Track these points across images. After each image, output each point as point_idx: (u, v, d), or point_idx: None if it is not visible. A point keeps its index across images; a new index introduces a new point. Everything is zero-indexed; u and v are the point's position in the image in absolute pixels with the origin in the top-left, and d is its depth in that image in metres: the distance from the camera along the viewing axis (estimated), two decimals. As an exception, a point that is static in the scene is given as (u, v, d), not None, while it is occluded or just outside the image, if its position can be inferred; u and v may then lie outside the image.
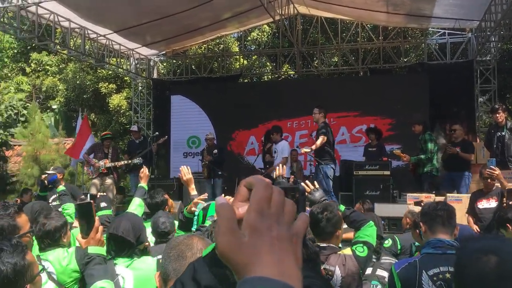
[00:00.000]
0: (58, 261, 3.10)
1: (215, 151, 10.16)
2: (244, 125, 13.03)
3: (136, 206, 4.46)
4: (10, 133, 13.13)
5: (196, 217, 3.45)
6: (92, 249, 2.26)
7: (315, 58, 15.17)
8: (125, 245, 2.72)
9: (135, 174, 10.11)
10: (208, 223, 3.36)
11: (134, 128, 11.11)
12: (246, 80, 15.42)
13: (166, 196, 4.91)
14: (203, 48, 15.48)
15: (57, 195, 5.20)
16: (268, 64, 15.44)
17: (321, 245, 2.96)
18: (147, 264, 2.79)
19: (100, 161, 9.34)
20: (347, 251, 3.04)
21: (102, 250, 2.31)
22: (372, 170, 8.96)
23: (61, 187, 5.12)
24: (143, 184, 4.69)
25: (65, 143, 14.49)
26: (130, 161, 9.46)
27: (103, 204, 4.71)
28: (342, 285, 2.88)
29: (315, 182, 3.56)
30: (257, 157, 10.94)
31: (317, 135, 8.16)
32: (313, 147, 7.95)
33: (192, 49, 15.31)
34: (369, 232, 3.20)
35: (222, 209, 0.73)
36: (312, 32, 14.88)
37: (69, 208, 4.57)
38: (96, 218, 2.28)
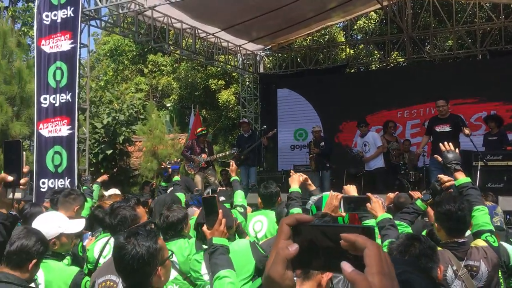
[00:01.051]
0: (181, 251, 3.27)
1: (322, 143, 10.07)
2: (351, 116, 12.71)
3: (242, 198, 4.82)
4: (132, 130, 14.20)
5: (310, 212, 3.43)
6: (217, 240, 2.37)
7: (427, 44, 14.34)
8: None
9: (244, 167, 10.39)
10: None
11: (244, 120, 11.37)
12: (352, 70, 15.08)
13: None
14: (308, 40, 15.40)
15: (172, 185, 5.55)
16: (375, 52, 14.91)
17: (459, 241, 2.78)
18: (240, 245, 3.03)
19: (198, 156, 9.68)
20: (480, 242, 2.84)
21: (226, 241, 2.41)
22: (495, 161, 8.24)
23: (176, 177, 5.44)
24: (235, 177, 5.11)
25: (179, 138, 15.33)
26: (226, 153, 9.79)
27: (221, 198, 4.96)
28: (488, 279, 2.69)
29: (450, 144, 3.49)
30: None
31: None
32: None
33: (297, 42, 15.30)
34: (487, 219, 2.97)
35: (282, 248, 0.83)
36: (424, 15, 14.06)
37: (181, 197, 4.83)
38: (220, 210, 2.37)
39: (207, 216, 2.41)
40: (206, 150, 9.78)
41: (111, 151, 13.26)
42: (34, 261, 2.45)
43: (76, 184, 8.79)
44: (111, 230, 2.58)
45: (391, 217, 3.05)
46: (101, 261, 3.47)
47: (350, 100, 12.54)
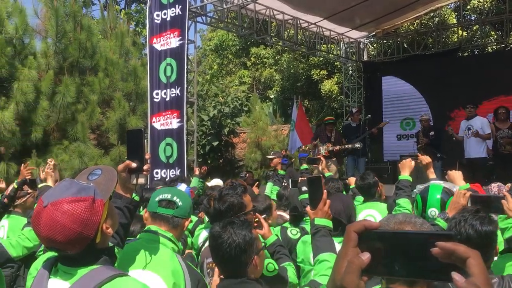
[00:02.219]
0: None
1: (432, 132, 9.53)
2: (464, 104, 11.85)
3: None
4: (236, 122, 14.61)
5: (415, 203, 3.22)
6: (319, 221, 2.30)
7: (553, 20, 12.86)
8: (337, 224, 2.74)
9: (353, 157, 10.16)
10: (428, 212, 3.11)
11: (355, 109, 11.13)
12: (466, 54, 14.02)
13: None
14: (415, 24, 14.62)
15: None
16: (492, 33, 13.72)
17: None
18: None
19: (323, 145, 9.61)
20: None
21: (329, 223, 2.32)
22: None
23: (304, 166, 5.49)
24: (329, 173, 5.03)
25: (282, 129, 15.45)
26: (350, 146, 9.50)
27: (304, 188, 4.86)
28: None
29: None
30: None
31: None
32: None
33: (404, 27, 14.60)
34: None
35: (354, 257, 0.83)
36: (549, -11, 12.63)
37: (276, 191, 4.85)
38: (324, 191, 2.31)
39: (311, 196, 2.36)
40: (333, 139, 9.70)
41: (217, 142, 13.76)
42: None
43: (185, 173, 9.27)
44: (217, 216, 2.67)
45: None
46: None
47: (462, 86, 11.68)
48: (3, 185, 4.61)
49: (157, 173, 9.43)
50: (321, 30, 12.83)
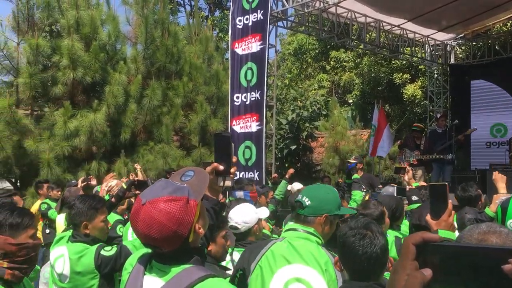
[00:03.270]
0: None
1: (527, 140, 8.88)
2: None
3: None
4: (315, 126, 14.53)
5: (496, 214, 3.04)
6: (442, 233, 2.12)
7: None
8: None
9: (438, 165, 9.73)
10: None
11: (439, 114, 10.70)
12: None
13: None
14: (508, 25, 13.71)
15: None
16: None
17: None
18: None
19: (411, 152, 9.33)
20: None
21: (453, 235, 2.15)
22: None
23: (356, 176, 5.33)
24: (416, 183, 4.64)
25: (361, 134, 15.14)
26: (443, 157, 9.14)
27: (414, 198, 4.68)
28: None
29: None
30: None
31: None
32: None
33: (496, 28, 13.74)
34: None
35: (416, 272, 0.79)
36: None
37: (356, 195, 4.72)
38: (449, 201, 2.14)
39: (434, 205, 2.19)
40: (422, 147, 9.42)
41: (295, 146, 13.77)
42: None
43: (264, 177, 9.36)
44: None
45: None
46: None
47: None
48: (94, 182, 4.90)
49: (236, 175, 9.61)
50: (405, 33, 12.42)
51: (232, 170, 1.90)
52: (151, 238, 1.42)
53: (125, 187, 3.63)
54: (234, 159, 1.93)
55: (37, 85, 9.46)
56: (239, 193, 4.67)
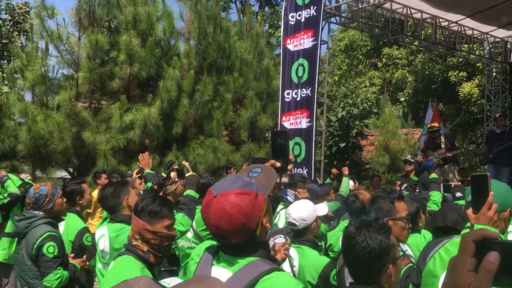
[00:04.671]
0: (416, 245, 3.20)
1: None
2: None
3: None
4: (365, 124, 14.28)
5: None
6: (479, 227, 1.98)
7: None
8: (453, 234, 2.54)
9: (494, 166, 9.38)
10: None
11: (498, 114, 10.30)
12: None
13: None
14: None
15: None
16: None
17: None
18: None
19: (434, 153, 9.06)
20: None
21: (493, 230, 2.05)
22: None
23: (434, 175, 5.26)
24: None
25: (413, 133, 14.76)
26: (458, 151, 8.93)
27: (458, 194, 4.68)
28: None
29: None
30: None
31: None
32: None
33: (562, 24, 13.00)
34: None
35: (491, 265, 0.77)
36: None
37: (436, 197, 4.63)
38: (491, 193, 2.01)
39: (474, 197, 2.08)
40: (443, 146, 9.16)
41: (344, 144, 13.61)
42: None
43: (313, 173, 9.33)
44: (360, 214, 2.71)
45: None
46: None
47: None
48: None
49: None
50: (462, 29, 11.99)
51: (289, 167, 1.95)
52: (221, 229, 1.47)
53: (164, 175, 3.73)
54: (291, 156, 1.97)
55: (96, 79, 9.81)
56: (289, 194, 4.65)
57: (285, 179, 1.98)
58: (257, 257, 1.51)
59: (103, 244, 3.18)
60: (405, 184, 7.55)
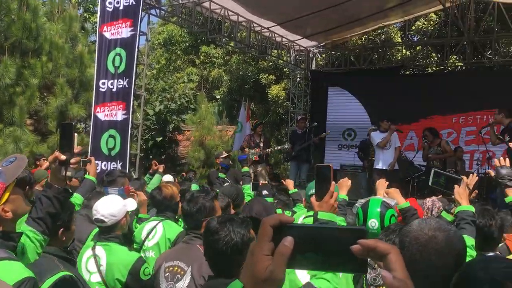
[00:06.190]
0: None
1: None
2: (404, 119, 12.41)
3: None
4: (182, 119, 14.46)
5: (357, 215, 3.38)
6: (323, 215, 2.13)
7: (487, 48, 13.77)
8: (258, 224, 2.80)
9: (296, 163, 10.37)
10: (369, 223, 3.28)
11: (299, 117, 11.39)
12: (408, 72, 14.71)
13: None
14: (363, 39, 15.15)
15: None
16: (433, 55, 14.48)
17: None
18: None
19: (252, 150, 9.71)
20: None
21: (334, 217, 2.17)
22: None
23: (246, 168, 5.46)
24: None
25: (227, 130, 15.49)
26: (279, 147, 9.78)
27: (264, 192, 4.94)
28: None
29: (507, 160, 3.34)
30: (416, 153, 10.40)
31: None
32: None
33: (352, 40, 15.07)
34: None
35: (285, 249, 0.82)
36: (487, 19, 13.53)
37: (249, 189, 4.86)
38: (333, 182, 2.11)
39: (318, 186, 2.17)
40: (261, 144, 9.81)
41: (161, 138, 13.57)
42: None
43: (127, 168, 9.05)
44: (187, 217, 2.69)
45: (474, 211, 2.76)
46: (146, 243, 3.64)
47: (403, 103, 12.24)
48: None
49: (97, 164, 9.08)
50: (273, 35, 12.98)
51: (72, 160, 1.91)
52: None
53: None
54: (76, 149, 1.93)
55: None
56: (112, 191, 4.36)
57: (69, 173, 1.95)
58: None
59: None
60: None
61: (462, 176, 3.13)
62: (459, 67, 15.27)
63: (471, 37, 12.40)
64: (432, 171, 3.23)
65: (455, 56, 14.29)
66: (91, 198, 3.61)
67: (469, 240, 2.40)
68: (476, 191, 4.38)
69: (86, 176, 4.14)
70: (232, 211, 3.63)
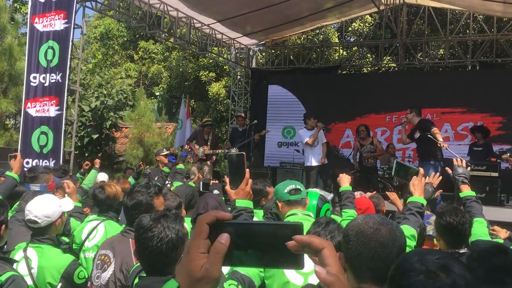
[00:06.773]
0: None
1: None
2: (340, 118, 12.82)
3: None
4: (120, 116, 14.06)
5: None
6: (240, 202, 2.15)
7: (418, 50, 14.47)
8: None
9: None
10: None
11: (241, 114, 11.40)
12: (344, 72, 15.14)
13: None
14: (302, 38, 15.42)
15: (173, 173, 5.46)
16: (368, 55, 15.01)
17: (460, 252, 2.79)
18: None
19: (200, 147, 9.64)
20: None
21: (250, 204, 2.19)
22: (478, 171, 8.39)
23: (181, 166, 5.38)
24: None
25: (167, 127, 15.26)
26: (226, 150, 9.71)
27: (215, 191, 4.88)
28: None
29: (463, 161, 3.63)
30: (353, 150, 10.75)
31: (423, 131, 7.75)
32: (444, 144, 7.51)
33: (291, 40, 15.31)
34: (485, 230, 3.09)
35: (220, 246, 0.81)
36: (418, 23, 14.21)
37: (176, 184, 4.80)
38: (247, 170, 2.13)
39: (232, 175, 2.20)
40: (209, 143, 9.72)
41: (97, 135, 13.13)
42: None
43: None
44: (124, 211, 2.61)
45: (424, 204, 2.82)
46: (86, 243, 3.48)
47: (340, 101, 12.62)
48: None
49: (28, 163, 8.68)
50: (213, 32, 12.92)
51: None
52: None
53: None
54: None
55: None
56: (34, 188, 4.14)
57: None
58: None
59: None
60: (157, 177, 7.71)
61: (419, 168, 3.37)
62: (392, 68, 15.92)
63: (403, 39, 12.97)
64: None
65: (389, 57, 14.89)
66: (28, 200, 3.42)
67: (409, 230, 2.48)
68: (441, 190, 4.59)
69: (7, 172, 3.93)
70: (183, 212, 3.56)
